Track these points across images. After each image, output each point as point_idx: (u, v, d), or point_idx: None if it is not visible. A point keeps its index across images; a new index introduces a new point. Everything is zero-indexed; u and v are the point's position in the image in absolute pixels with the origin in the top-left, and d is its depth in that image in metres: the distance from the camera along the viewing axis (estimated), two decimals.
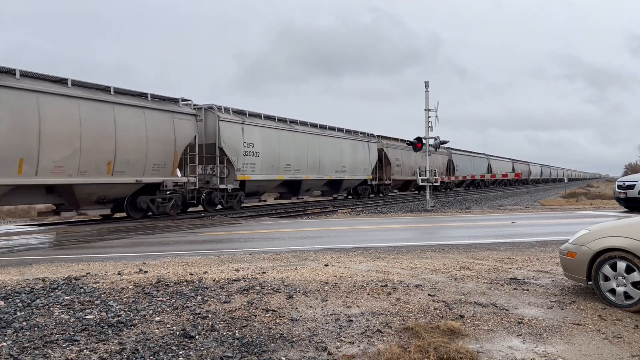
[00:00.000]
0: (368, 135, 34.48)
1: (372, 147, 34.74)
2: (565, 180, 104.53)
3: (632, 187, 17.09)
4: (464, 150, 54.59)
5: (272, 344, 3.91)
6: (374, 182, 34.82)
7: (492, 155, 65.26)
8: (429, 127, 21.97)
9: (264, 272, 6.63)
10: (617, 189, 17.87)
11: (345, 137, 31.71)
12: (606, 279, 5.01)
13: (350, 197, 34.41)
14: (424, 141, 22.44)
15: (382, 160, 36.40)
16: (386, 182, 36.52)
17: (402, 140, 39.03)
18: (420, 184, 23.07)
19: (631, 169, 70.36)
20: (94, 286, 5.84)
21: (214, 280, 6.10)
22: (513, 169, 69.51)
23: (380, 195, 36.75)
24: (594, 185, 65.85)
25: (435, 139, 22.49)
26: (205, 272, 6.71)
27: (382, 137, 37.34)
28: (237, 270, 6.82)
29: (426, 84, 21.91)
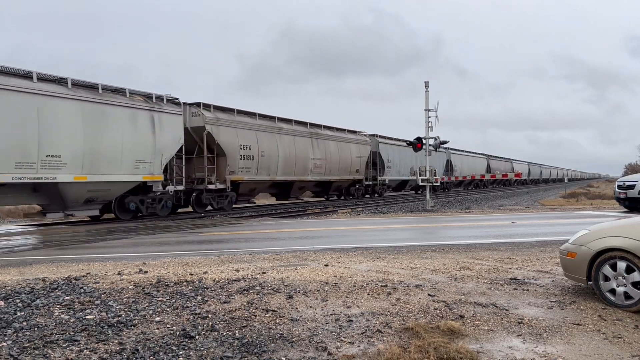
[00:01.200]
0: (155, 99, 18.44)
1: (170, 123, 18.79)
2: (565, 181, 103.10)
3: (632, 187, 17.09)
4: (401, 140, 36.67)
5: (272, 344, 3.91)
6: (173, 187, 19.23)
7: (455, 150, 50.09)
8: (429, 127, 21.98)
9: (264, 272, 6.63)
10: (617, 189, 17.87)
11: (72, 95, 15.51)
12: (606, 279, 5.01)
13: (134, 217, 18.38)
14: (424, 141, 22.45)
15: (209, 149, 20.82)
16: (213, 187, 20.93)
17: (263, 116, 24.11)
18: (421, 184, 23.05)
19: (631, 169, 70.33)
20: (94, 286, 5.84)
21: (214, 281, 6.10)
22: (488, 168, 57.38)
23: (210, 209, 21.45)
24: (594, 185, 65.86)
25: (436, 139, 22.50)
26: (205, 272, 6.71)
27: (207, 106, 21.22)
28: (237, 271, 6.82)
29: (426, 84, 21.91)
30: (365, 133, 34.54)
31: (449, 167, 46.42)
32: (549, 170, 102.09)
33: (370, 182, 34.17)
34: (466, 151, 54.44)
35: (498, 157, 66.84)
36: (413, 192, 43.19)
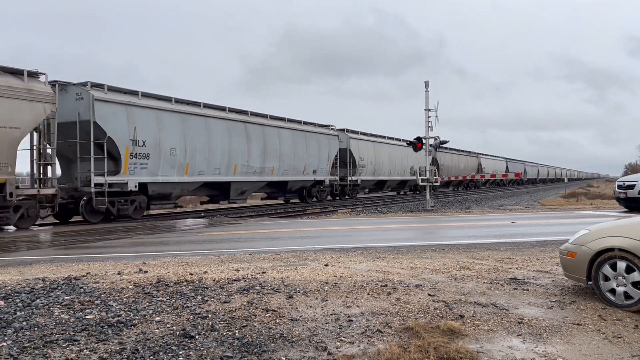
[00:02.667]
0: None
1: None
2: (565, 181, 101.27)
3: (632, 187, 17.10)
4: (266, 117, 24.37)
5: (272, 344, 3.91)
6: None
7: (371, 138, 34.29)
8: (429, 127, 21.99)
9: (264, 272, 6.63)
10: (617, 189, 17.88)
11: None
12: (606, 279, 5.01)
13: None
14: (424, 141, 22.46)
15: None
16: None
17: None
18: (421, 183, 23.04)
19: (631, 169, 70.35)
20: (94, 286, 5.83)
21: (214, 280, 6.10)
22: (435, 169, 39.86)
23: None
24: (593, 185, 65.84)
25: (435, 139, 22.51)
26: (205, 272, 6.70)
27: None
28: (237, 270, 6.82)
29: (426, 84, 21.91)
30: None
31: (351, 164, 31.16)
32: (537, 168, 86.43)
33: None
34: (387, 137, 37.36)
35: (455, 150, 49.15)
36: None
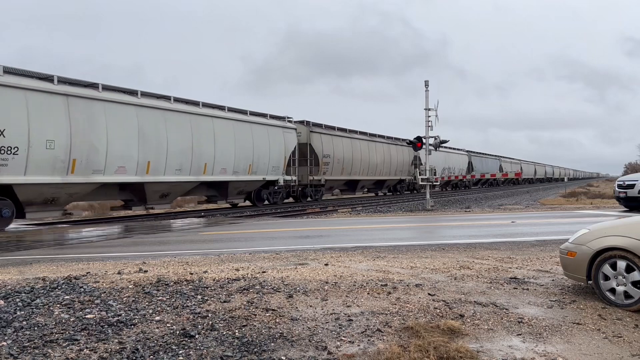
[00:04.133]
0: None
1: None
2: (565, 180, 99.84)
3: (632, 186, 17.10)
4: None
5: (272, 344, 3.90)
6: None
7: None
8: (428, 126, 21.99)
9: (264, 272, 6.63)
10: (617, 188, 17.88)
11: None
12: (606, 278, 5.01)
13: None
14: (424, 140, 22.47)
15: None
16: None
17: None
18: (421, 183, 23.04)
19: (631, 169, 70.30)
20: (94, 285, 5.83)
21: (214, 280, 6.10)
22: (306, 154, 27.43)
23: None
24: (593, 185, 65.80)
25: (435, 139, 22.51)
26: (205, 272, 6.70)
27: None
28: (237, 270, 6.82)
29: (426, 84, 21.91)
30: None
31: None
32: (519, 166, 69.08)
33: None
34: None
35: (367, 136, 31.78)
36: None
